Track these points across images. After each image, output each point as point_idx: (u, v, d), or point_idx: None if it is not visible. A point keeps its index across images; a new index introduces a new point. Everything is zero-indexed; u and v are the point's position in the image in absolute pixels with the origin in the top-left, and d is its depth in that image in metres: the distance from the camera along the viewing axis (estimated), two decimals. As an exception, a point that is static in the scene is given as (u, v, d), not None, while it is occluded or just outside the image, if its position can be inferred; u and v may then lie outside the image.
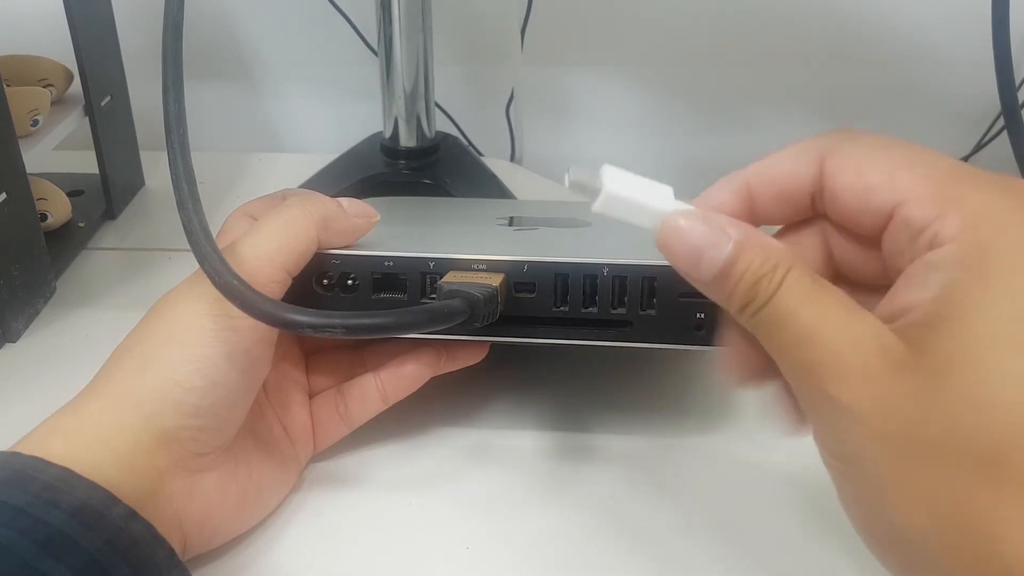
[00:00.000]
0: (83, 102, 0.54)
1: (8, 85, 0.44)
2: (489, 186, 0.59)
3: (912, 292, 0.23)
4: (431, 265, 0.34)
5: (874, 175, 0.24)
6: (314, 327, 0.28)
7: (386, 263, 0.34)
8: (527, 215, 0.44)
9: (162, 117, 0.30)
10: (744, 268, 0.24)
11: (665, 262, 0.26)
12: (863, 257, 0.26)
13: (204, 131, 0.62)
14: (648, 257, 0.33)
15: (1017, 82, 0.54)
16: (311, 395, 0.37)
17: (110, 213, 0.57)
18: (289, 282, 0.32)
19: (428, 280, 0.34)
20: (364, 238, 0.36)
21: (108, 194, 0.57)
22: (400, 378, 0.36)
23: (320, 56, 0.72)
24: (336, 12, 0.67)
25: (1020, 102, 0.53)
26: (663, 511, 0.35)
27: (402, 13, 0.52)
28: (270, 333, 0.32)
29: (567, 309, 0.34)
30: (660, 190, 0.26)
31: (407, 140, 0.57)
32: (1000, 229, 0.22)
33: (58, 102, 0.54)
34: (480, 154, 0.67)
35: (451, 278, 0.34)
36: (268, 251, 0.32)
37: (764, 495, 0.36)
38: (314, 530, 0.35)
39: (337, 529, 0.35)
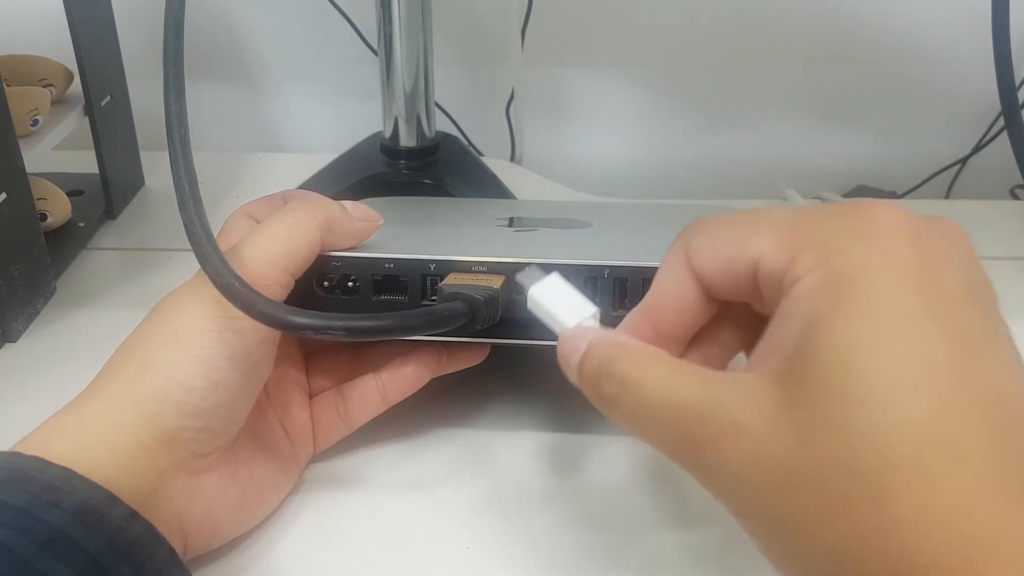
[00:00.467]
0: (83, 102, 0.54)
1: (8, 85, 0.44)
2: (489, 186, 0.59)
3: (780, 329, 0.23)
4: (432, 267, 0.34)
5: (728, 249, 0.25)
6: (315, 329, 0.28)
7: (386, 265, 0.34)
8: (527, 215, 0.44)
9: (162, 117, 0.30)
10: (588, 366, 0.26)
11: None
12: None
13: (204, 131, 0.62)
14: (649, 259, 0.33)
15: (1017, 82, 0.54)
16: (311, 395, 0.37)
17: (110, 213, 0.57)
18: (292, 285, 0.32)
19: (428, 282, 0.34)
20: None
21: (108, 194, 0.57)
22: (400, 379, 0.36)
23: (320, 56, 0.72)
24: (336, 12, 0.67)
25: (1020, 102, 0.53)
26: (663, 511, 0.35)
27: (402, 13, 0.52)
28: (272, 335, 0.32)
29: None
30: (583, 307, 0.28)
31: (407, 140, 0.57)
32: (848, 253, 0.22)
33: (58, 102, 0.54)
34: (480, 154, 0.67)
35: (452, 280, 0.34)
36: (272, 253, 0.32)
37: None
38: (314, 530, 0.35)
39: (337, 529, 0.35)
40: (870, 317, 0.21)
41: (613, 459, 0.38)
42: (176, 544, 0.30)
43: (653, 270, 0.33)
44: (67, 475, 0.27)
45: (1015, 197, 0.66)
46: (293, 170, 0.60)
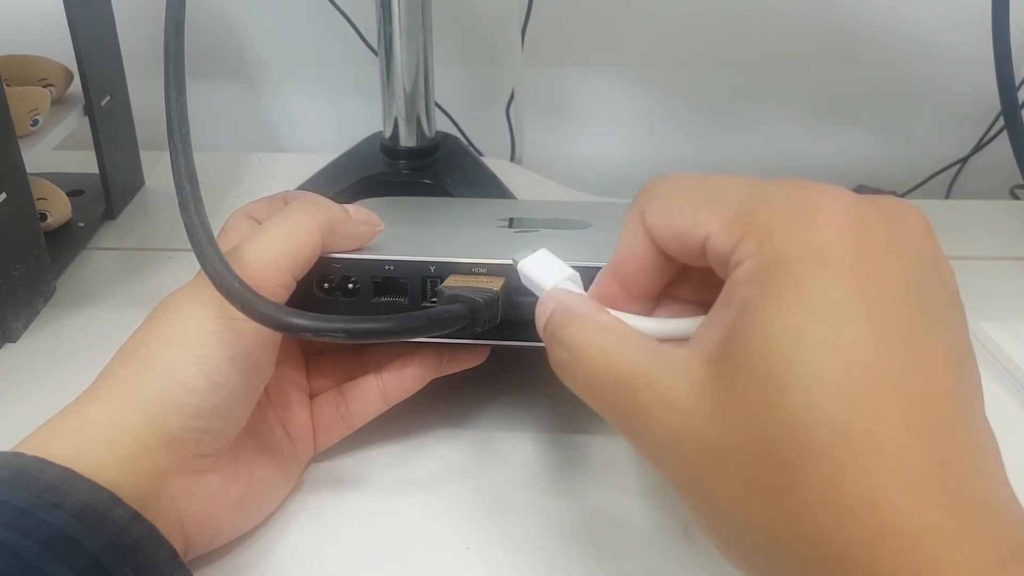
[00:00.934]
0: (83, 102, 0.54)
1: (8, 85, 0.44)
2: (489, 186, 0.59)
3: (720, 310, 0.23)
4: (432, 269, 0.34)
5: (680, 218, 0.25)
6: (315, 331, 0.28)
7: (387, 267, 0.34)
8: (527, 216, 0.44)
9: (162, 117, 0.30)
10: (547, 330, 0.27)
11: None
12: None
13: (204, 131, 0.62)
14: None
15: (1017, 82, 0.54)
16: (311, 396, 0.37)
17: (110, 213, 0.57)
18: (294, 286, 0.32)
19: (429, 284, 0.34)
20: (364, 240, 0.36)
21: (108, 194, 0.57)
22: (401, 379, 0.36)
23: (320, 56, 0.72)
24: (336, 12, 0.67)
25: (1020, 102, 0.53)
26: (662, 511, 0.35)
27: (402, 13, 0.52)
28: (273, 336, 0.32)
29: None
30: (560, 272, 0.30)
31: (407, 140, 0.57)
32: (787, 242, 0.22)
33: (58, 102, 0.54)
34: (480, 154, 0.67)
35: (452, 282, 0.34)
36: (274, 254, 0.32)
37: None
38: (315, 530, 0.35)
39: (338, 529, 0.35)
40: (800, 310, 0.21)
41: (613, 459, 0.38)
42: (177, 544, 0.30)
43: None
44: (69, 475, 0.27)
45: (1015, 197, 0.66)
46: (293, 170, 0.60)
